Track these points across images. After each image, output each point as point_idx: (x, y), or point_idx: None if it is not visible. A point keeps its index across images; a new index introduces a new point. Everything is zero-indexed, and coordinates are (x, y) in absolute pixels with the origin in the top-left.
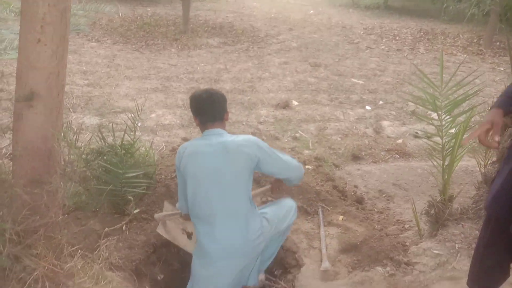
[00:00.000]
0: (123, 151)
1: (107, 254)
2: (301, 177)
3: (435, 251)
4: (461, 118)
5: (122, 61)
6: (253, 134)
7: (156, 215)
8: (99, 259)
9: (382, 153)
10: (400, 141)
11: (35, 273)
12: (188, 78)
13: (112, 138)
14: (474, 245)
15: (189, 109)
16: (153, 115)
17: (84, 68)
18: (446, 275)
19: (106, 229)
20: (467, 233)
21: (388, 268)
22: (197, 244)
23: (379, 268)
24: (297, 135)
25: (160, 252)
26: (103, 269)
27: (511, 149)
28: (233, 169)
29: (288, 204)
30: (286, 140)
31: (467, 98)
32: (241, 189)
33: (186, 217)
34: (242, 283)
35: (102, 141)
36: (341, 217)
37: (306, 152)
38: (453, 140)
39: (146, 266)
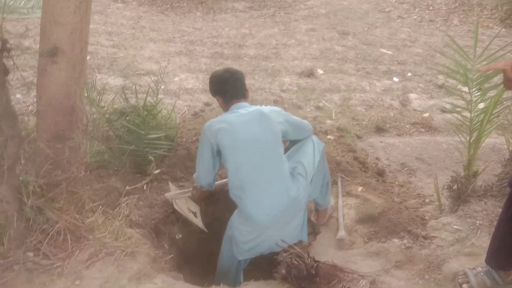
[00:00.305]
0: (146, 113)
1: (127, 211)
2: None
3: (454, 226)
4: (491, 93)
5: (147, 23)
6: (275, 102)
7: (167, 194)
8: (119, 216)
9: (407, 126)
10: (426, 114)
11: (58, 226)
12: (212, 43)
13: (135, 99)
14: (495, 223)
15: None
16: (176, 78)
17: (109, 29)
18: (464, 250)
19: (127, 187)
20: (489, 210)
21: (405, 241)
22: (240, 214)
23: (396, 240)
24: (320, 104)
25: (178, 212)
26: (123, 225)
27: None
28: (271, 131)
29: (308, 145)
30: (309, 109)
31: (500, 72)
32: (279, 150)
33: (198, 195)
34: (291, 240)
35: (125, 101)
36: (360, 188)
37: (329, 122)
38: (482, 115)
39: (165, 225)
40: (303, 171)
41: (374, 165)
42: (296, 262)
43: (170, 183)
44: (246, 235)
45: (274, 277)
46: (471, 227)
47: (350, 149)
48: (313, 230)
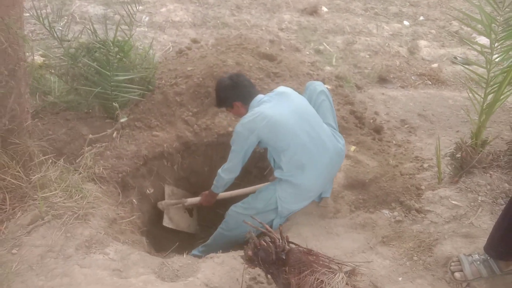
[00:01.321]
0: (116, 49)
1: (91, 162)
2: None
3: (453, 201)
4: None
5: None
6: (272, 42)
7: (159, 204)
8: (79, 168)
9: (412, 77)
10: (435, 65)
11: None
12: None
13: (104, 34)
14: (499, 200)
15: (204, 7)
16: (163, 9)
17: None
18: (461, 230)
19: (90, 136)
20: (494, 185)
21: (395, 213)
22: (293, 188)
23: (386, 212)
24: (321, 47)
25: (151, 164)
26: (82, 180)
27: None
28: (300, 99)
29: (324, 100)
30: (308, 53)
31: None
32: (316, 113)
33: (208, 202)
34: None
35: (94, 34)
36: (353, 148)
37: (328, 68)
38: (502, 76)
39: (134, 179)
40: (335, 125)
41: (371, 121)
42: (264, 244)
43: (166, 187)
44: (301, 202)
45: (242, 257)
46: (472, 203)
47: (348, 101)
48: None
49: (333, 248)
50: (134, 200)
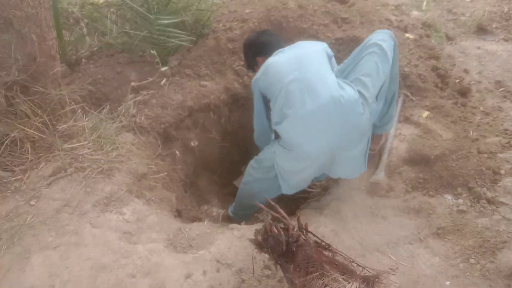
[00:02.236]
0: None
1: (134, 111)
2: None
3: None
4: None
5: None
6: None
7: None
8: (119, 117)
9: None
10: None
11: (12, 135)
12: None
13: None
14: None
15: None
16: None
17: None
18: None
19: (133, 83)
20: None
21: (460, 200)
22: (289, 151)
23: (449, 197)
24: None
25: (197, 116)
26: (121, 130)
27: None
28: (312, 48)
29: (369, 50)
30: None
31: None
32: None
33: None
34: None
35: None
36: (425, 114)
37: (415, 13)
38: None
39: (178, 130)
40: (371, 84)
41: (457, 81)
42: (275, 231)
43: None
44: (293, 161)
45: (251, 240)
46: None
47: (432, 55)
48: None
49: (374, 234)
50: (177, 152)
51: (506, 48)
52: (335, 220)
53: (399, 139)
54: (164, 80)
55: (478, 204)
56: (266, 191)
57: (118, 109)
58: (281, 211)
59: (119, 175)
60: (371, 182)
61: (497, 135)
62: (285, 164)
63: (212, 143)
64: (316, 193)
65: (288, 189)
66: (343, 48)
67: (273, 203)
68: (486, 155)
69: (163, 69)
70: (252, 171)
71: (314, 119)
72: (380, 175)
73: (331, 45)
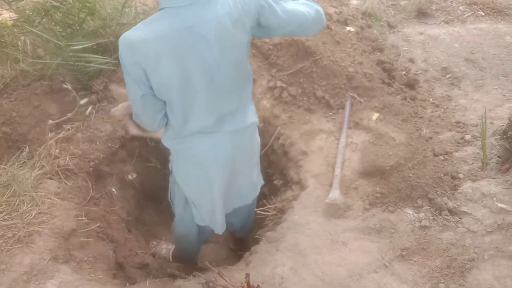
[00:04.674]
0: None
1: (57, 151)
2: (322, 26)
3: (498, 204)
4: None
5: None
6: None
7: (112, 110)
8: (39, 162)
9: (460, 8)
10: None
11: None
12: None
13: None
14: None
15: None
16: None
17: None
18: (507, 248)
19: (51, 121)
20: None
21: (421, 214)
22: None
23: (409, 212)
24: None
25: (131, 145)
26: (42, 178)
27: None
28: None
29: None
30: None
31: None
32: (243, 78)
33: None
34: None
35: None
36: (375, 116)
37: (354, 2)
38: None
39: (111, 165)
40: None
41: (404, 73)
42: None
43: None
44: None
45: None
46: None
47: (376, 47)
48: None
49: (336, 266)
50: (113, 190)
51: (448, 31)
52: (293, 255)
53: (351, 149)
54: (89, 109)
55: (440, 217)
56: (194, 232)
57: (39, 151)
58: (223, 275)
59: (40, 240)
60: (327, 203)
61: (450, 129)
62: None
63: (153, 172)
64: (272, 215)
65: (200, 220)
66: (283, 54)
67: (216, 270)
68: (442, 157)
69: (82, 102)
70: (174, 208)
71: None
72: (336, 193)
73: (269, 51)
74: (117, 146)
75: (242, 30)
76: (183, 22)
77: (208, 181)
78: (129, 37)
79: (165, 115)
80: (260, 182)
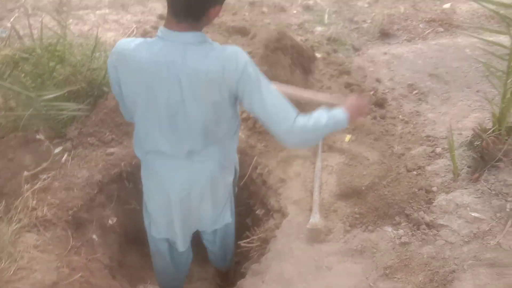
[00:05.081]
0: (47, 55)
1: (34, 202)
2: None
3: (472, 213)
4: None
5: None
6: (252, 3)
7: None
8: (16, 215)
9: (420, 25)
10: (447, 5)
11: None
12: None
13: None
14: None
15: None
16: None
17: None
18: (484, 256)
19: (26, 173)
20: None
21: (400, 231)
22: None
23: (388, 229)
24: (310, 2)
25: (109, 189)
26: (20, 232)
27: None
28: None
29: None
30: (295, 11)
31: None
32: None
33: None
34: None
35: (20, 41)
36: (348, 137)
37: (319, 29)
38: None
39: (90, 212)
40: None
41: (372, 93)
42: None
43: None
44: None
45: None
46: (498, 214)
47: (343, 70)
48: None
49: None
50: (94, 237)
51: (411, 49)
52: (279, 286)
53: (327, 172)
54: (65, 156)
55: (419, 231)
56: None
57: (15, 204)
58: None
59: None
60: (308, 229)
61: (421, 144)
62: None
63: (133, 214)
64: (256, 246)
65: (156, 231)
66: None
67: None
68: (415, 172)
69: (57, 150)
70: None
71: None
72: (316, 218)
73: None
74: (95, 191)
75: (218, 91)
76: (166, 57)
77: (167, 197)
78: (123, 44)
79: None
80: (227, 219)
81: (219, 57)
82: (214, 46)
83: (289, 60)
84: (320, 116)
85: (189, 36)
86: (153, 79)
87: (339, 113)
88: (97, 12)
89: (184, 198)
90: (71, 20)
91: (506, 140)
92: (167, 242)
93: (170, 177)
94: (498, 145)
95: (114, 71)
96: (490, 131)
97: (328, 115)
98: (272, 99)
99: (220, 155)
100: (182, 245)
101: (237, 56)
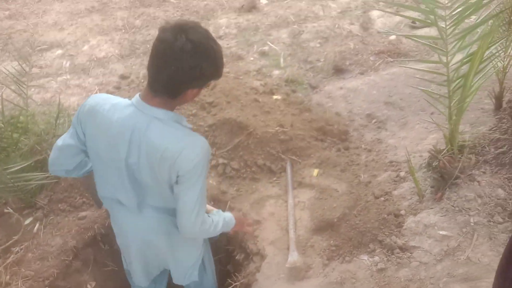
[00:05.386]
0: (8, 129)
1: (8, 277)
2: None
3: (440, 232)
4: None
5: None
6: None
7: None
8: None
9: (371, 58)
10: (393, 37)
11: None
12: None
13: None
14: (497, 218)
15: (131, 32)
16: (85, 47)
17: None
18: (457, 271)
19: None
20: (486, 196)
21: (376, 257)
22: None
23: (365, 258)
24: (266, 48)
25: (85, 254)
26: None
27: None
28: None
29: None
30: (252, 58)
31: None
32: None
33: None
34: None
35: None
36: (316, 171)
37: (276, 73)
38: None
39: (67, 279)
40: None
41: (333, 127)
42: None
43: None
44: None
45: None
46: (464, 229)
47: (304, 108)
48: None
49: None
50: None
51: (365, 81)
52: None
53: (300, 208)
54: (37, 225)
55: (393, 256)
56: None
57: None
58: None
59: None
60: (288, 267)
61: (385, 170)
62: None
63: (112, 275)
64: None
65: (125, 263)
66: (219, 133)
67: None
68: (383, 198)
69: (28, 221)
70: None
71: None
72: (294, 256)
73: (205, 133)
74: (71, 258)
75: (168, 171)
76: (132, 123)
77: (126, 242)
78: (98, 100)
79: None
80: (193, 277)
81: (181, 140)
82: (182, 128)
83: None
84: (218, 223)
85: (159, 112)
86: (117, 138)
87: (231, 221)
88: (58, 78)
89: (141, 248)
90: (33, 89)
91: (460, 158)
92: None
93: (127, 227)
94: (453, 163)
95: (77, 120)
96: (444, 151)
97: (223, 223)
98: (190, 197)
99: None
100: (138, 281)
101: (198, 149)
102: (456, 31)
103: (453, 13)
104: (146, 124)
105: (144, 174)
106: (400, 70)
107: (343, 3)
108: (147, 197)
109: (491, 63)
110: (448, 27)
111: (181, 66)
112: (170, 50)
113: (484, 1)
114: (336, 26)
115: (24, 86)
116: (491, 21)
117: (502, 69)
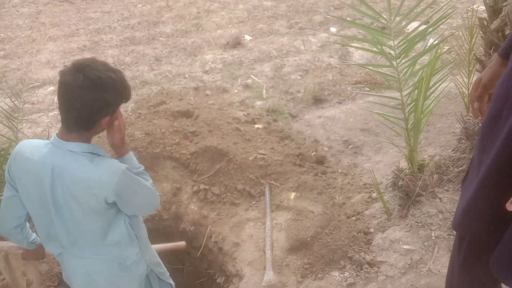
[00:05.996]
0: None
1: None
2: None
3: (404, 246)
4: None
5: (47, 18)
6: (196, 88)
7: None
8: None
9: (348, 88)
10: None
11: None
12: (123, 26)
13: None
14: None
15: (120, 69)
16: None
17: (1, 34)
18: (420, 283)
19: None
20: (447, 212)
21: (346, 273)
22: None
23: (336, 274)
24: (249, 81)
25: None
26: None
27: (479, 155)
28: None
29: None
30: (236, 91)
31: (430, 29)
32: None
33: (29, 255)
34: None
35: None
36: (293, 195)
37: (258, 103)
38: (416, 92)
39: None
40: None
41: (313, 153)
42: None
43: None
44: None
45: None
46: (426, 243)
47: (284, 136)
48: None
49: None
50: None
51: (342, 110)
52: None
53: (277, 229)
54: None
55: (362, 271)
56: None
57: None
58: None
59: None
60: (263, 286)
61: (359, 192)
62: None
63: None
64: None
65: None
66: (200, 160)
67: None
68: (354, 218)
69: None
70: None
71: None
72: (270, 275)
73: (187, 161)
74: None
75: (96, 198)
76: (51, 160)
77: (70, 281)
78: (22, 147)
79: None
80: None
81: (97, 169)
82: (96, 157)
83: None
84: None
85: (74, 146)
86: (41, 176)
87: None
88: (50, 113)
89: (84, 286)
90: (24, 124)
91: (421, 176)
92: None
93: (68, 268)
94: (414, 182)
95: (7, 171)
96: (405, 170)
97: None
98: (142, 197)
99: (119, 257)
100: None
101: (115, 171)
102: (406, 59)
103: (400, 44)
104: (63, 158)
105: (72, 207)
106: (376, 98)
107: (323, 38)
108: (79, 237)
109: (439, 87)
110: (396, 56)
111: (85, 102)
112: (71, 90)
113: (428, 30)
114: (316, 59)
115: (15, 120)
116: (435, 49)
117: (468, 95)
